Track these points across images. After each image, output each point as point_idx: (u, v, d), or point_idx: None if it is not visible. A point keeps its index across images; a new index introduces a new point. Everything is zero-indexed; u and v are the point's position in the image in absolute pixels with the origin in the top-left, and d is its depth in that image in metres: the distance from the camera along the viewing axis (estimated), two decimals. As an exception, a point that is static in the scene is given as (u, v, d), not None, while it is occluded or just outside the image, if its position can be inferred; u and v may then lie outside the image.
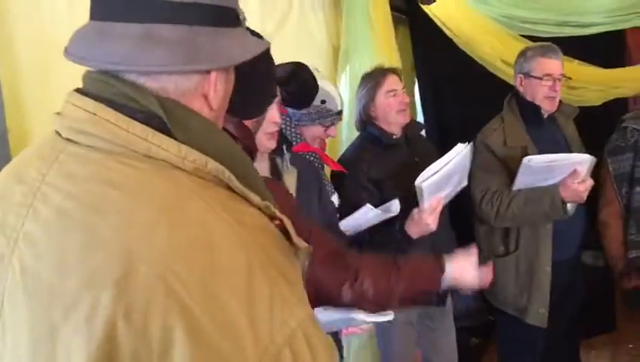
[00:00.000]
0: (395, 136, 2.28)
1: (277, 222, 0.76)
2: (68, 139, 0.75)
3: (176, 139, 0.74)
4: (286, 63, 1.88)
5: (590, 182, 2.22)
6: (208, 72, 0.79)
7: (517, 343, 2.53)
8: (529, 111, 2.39)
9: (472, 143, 2.15)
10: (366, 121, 2.30)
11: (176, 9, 0.74)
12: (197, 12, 0.76)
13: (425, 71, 3.36)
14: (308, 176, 1.83)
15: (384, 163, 2.23)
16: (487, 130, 2.44)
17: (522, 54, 2.43)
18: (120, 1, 0.74)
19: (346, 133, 2.80)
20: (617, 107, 3.15)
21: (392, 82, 2.27)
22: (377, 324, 1.80)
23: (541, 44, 2.49)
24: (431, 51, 3.25)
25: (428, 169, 1.94)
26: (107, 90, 0.75)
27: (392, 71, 2.32)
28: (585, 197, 2.25)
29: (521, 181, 2.26)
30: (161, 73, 0.76)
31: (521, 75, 2.40)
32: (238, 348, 0.63)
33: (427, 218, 1.98)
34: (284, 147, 1.82)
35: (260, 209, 0.75)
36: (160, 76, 0.76)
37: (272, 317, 0.66)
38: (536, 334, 2.43)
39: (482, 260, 2.52)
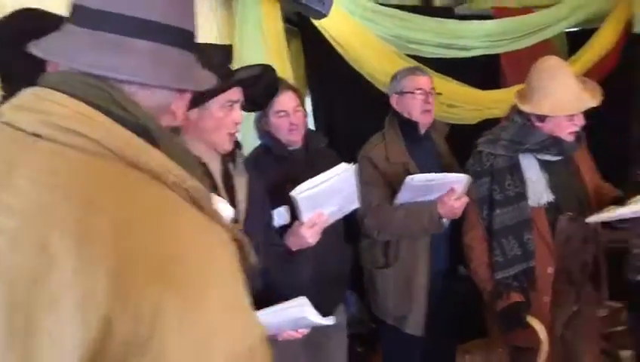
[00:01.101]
0: (290, 148, 2.26)
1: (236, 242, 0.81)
2: (36, 135, 0.75)
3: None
4: (252, 65, 1.87)
5: (465, 199, 2.35)
6: (184, 91, 0.89)
7: (398, 352, 2.64)
8: (408, 128, 2.53)
9: (357, 164, 2.19)
10: (262, 132, 2.29)
11: (179, 34, 0.85)
12: (189, 39, 0.88)
13: (317, 84, 3.42)
14: (257, 183, 1.85)
15: (277, 173, 2.20)
16: (369, 145, 2.56)
17: (394, 77, 2.61)
18: (139, 21, 0.81)
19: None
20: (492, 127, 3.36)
21: (282, 102, 2.19)
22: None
23: (409, 66, 2.70)
24: (323, 65, 3.32)
25: (306, 182, 1.95)
26: (97, 94, 0.79)
27: (287, 88, 2.24)
28: (459, 214, 2.39)
29: (403, 196, 2.38)
30: (162, 88, 0.84)
31: (396, 95, 2.56)
32: (212, 347, 0.69)
33: (305, 231, 1.98)
34: (237, 151, 1.80)
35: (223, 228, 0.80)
36: (158, 91, 0.84)
37: (245, 325, 0.74)
38: (416, 342, 2.55)
39: (366, 272, 2.66)
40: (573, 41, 4.16)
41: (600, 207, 2.32)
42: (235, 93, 1.65)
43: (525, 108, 2.28)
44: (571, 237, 2.37)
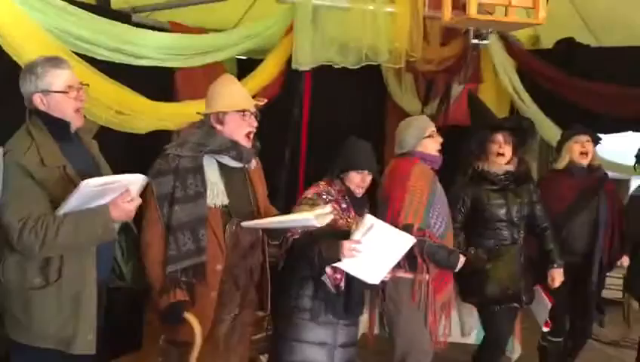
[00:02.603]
0: None
1: None
2: None
3: None
4: None
5: (139, 201, 2.29)
6: None
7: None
8: (57, 128, 2.30)
9: (4, 151, 1.97)
10: None
11: None
12: None
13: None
14: None
15: None
16: (20, 150, 2.21)
17: (30, 72, 2.28)
18: None
19: None
20: (163, 138, 3.36)
21: None
22: None
23: (45, 56, 2.36)
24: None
25: None
26: None
27: None
28: (133, 216, 2.33)
29: (72, 204, 2.16)
30: None
31: (40, 94, 2.27)
32: None
33: None
34: None
35: None
36: None
37: None
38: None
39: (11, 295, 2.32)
40: (243, 68, 4.53)
41: None
42: None
43: (206, 111, 2.58)
44: (239, 241, 2.57)
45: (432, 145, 3.17)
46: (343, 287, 2.75)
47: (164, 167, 2.50)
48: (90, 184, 2.11)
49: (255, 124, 2.61)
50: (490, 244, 3.40)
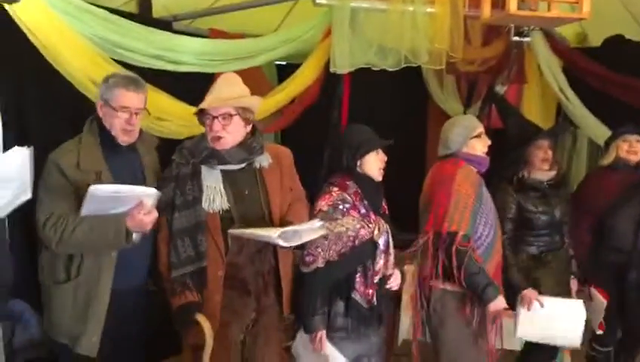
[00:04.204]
0: None
1: None
2: None
3: None
4: None
5: (155, 214, 2.34)
6: None
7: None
8: (107, 137, 2.44)
9: (31, 147, 2.09)
10: None
11: None
12: None
13: (6, 80, 3.03)
14: None
15: None
16: (62, 150, 2.40)
17: (105, 80, 2.47)
18: None
19: None
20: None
21: None
22: None
23: (127, 74, 2.56)
24: (15, 59, 2.96)
25: None
26: None
27: None
28: (149, 228, 2.37)
29: (89, 208, 2.26)
30: None
31: (101, 102, 2.44)
32: None
33: None
34: None
35: None
36: None
37: None
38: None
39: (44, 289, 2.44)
40: (282, 74, 4.53)
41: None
42: None
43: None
44: (244, 246, 2.50)
45: (479, 146, 2.94)
46: (375, 301, 2.64)
47: (167, 175, 2.52)
48: (99, 190, 2.20)
49: (219, 128, 2.44)
50: (535, 251, 3.31)
